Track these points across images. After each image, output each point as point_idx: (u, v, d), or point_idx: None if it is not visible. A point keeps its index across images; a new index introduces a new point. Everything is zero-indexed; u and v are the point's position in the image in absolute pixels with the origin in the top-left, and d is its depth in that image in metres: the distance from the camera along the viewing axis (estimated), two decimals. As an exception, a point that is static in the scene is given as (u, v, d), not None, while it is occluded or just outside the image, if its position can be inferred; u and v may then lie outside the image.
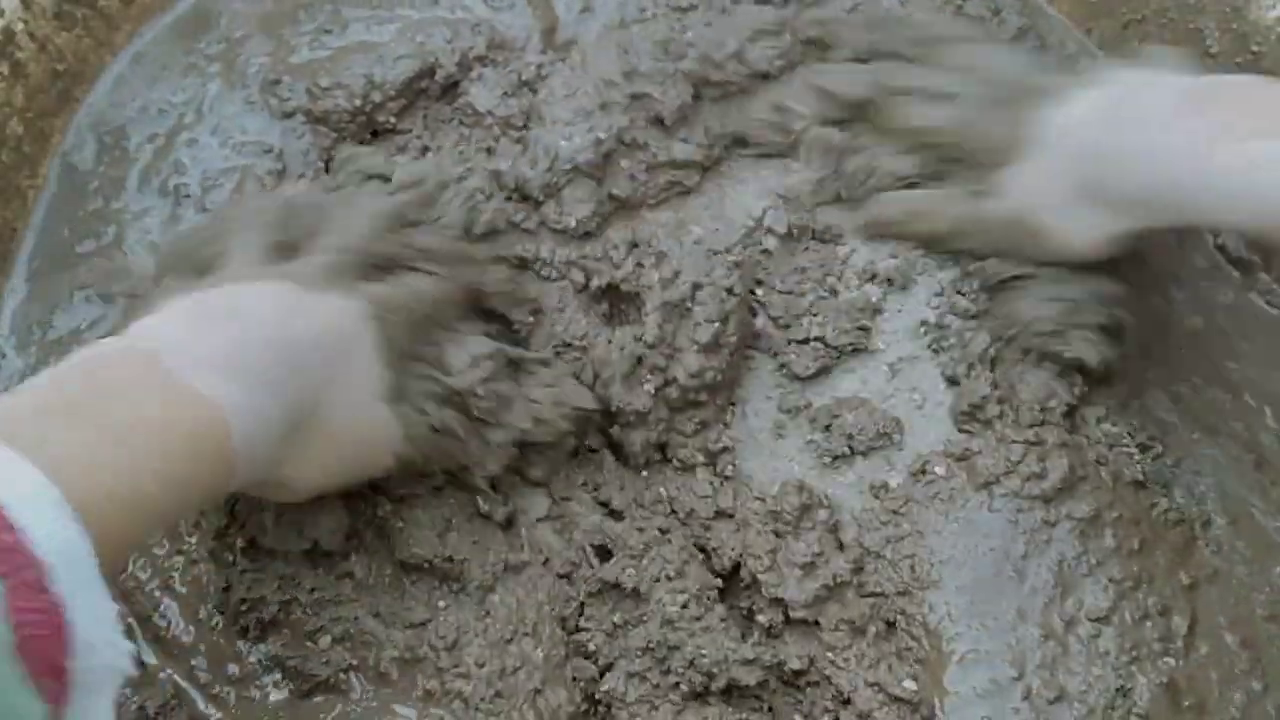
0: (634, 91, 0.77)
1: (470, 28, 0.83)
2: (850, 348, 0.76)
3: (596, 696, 0.69)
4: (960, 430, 0.74)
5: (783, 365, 0.76)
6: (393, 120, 0.81)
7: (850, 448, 0.73)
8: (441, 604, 0.70)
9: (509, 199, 0.76)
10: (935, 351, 0.76)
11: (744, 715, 0.68)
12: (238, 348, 0.52)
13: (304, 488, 0.60)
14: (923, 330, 0.76)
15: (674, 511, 0.73)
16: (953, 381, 0.75)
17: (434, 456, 0.66)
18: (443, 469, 0.68)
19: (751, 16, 0.84)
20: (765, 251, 0.77)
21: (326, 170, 0.80)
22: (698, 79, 0.79)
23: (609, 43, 0.80)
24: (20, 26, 0.79)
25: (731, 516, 0.72)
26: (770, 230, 0.77)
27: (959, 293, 0.76)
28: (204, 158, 0.81)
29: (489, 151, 0.79)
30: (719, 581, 0.71)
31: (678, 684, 0.67)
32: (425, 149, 0.81)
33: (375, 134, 0.82)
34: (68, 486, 0.39)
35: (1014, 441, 0.71)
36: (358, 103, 0.80)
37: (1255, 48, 0.83)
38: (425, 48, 0.82)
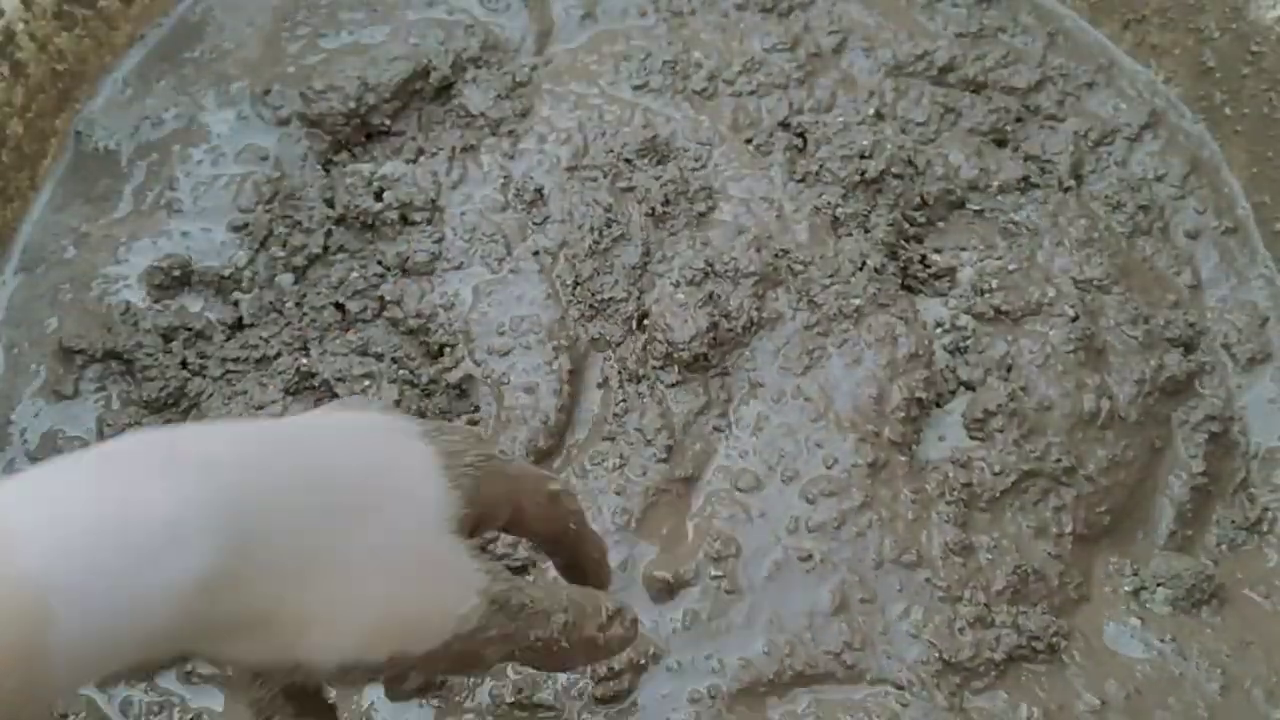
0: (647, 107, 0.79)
1: (464, 29, 0.84)
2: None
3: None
4: (971, 437, 0.74)
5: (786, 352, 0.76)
6: (387, 122, 0.82)
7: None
8: None
9: (508, 206, 0.78)
10: (952, 353, 0.76)
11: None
12: None
13: (332, 658, 0.39)
14: (939, 331, 0.76)
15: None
16: (968, 386, 0.75)
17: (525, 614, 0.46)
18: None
19: (756, 28, 0.85)
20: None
21: (325, 174, 0.81)
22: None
23: (609, 53, 0.82)
24: (20, 26, 0.79)
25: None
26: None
27: (980, 292, 0.77)
28: (197, 171, 0.81)
29: (473, 149, 0.81)
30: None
31: None
32: (420, 150, 0.81)
33: (370, 136, 0.82)
34: None
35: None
36: (352, 105, 0.80)
37: (1255, 48, 0.83)
38: (419, 49, 0.83)
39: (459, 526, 0.43)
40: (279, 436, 0.40)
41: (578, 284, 0.75)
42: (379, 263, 0.77)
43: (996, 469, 0.72)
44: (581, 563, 0.54)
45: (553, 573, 0.57)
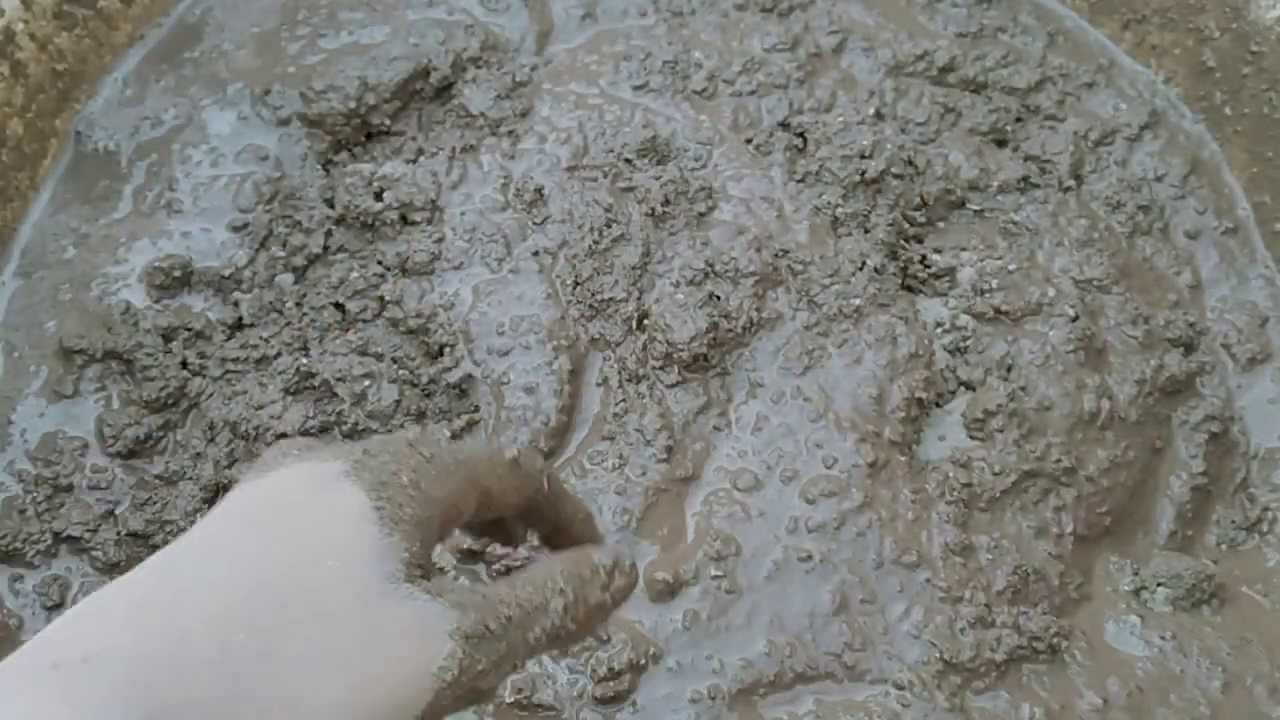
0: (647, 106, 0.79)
1: (464, 29, 0.85)
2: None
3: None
4: (971, 437, 0.74)
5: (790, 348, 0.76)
6: (387, 122, 0.82)
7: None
8: None
9: (508, 206, 0.78)
10: (952, 353, 0.76)
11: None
12: None
13: None
14: (939, 331, 0.76)
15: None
16: (968, 386, 0.75)
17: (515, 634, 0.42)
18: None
19: (756, 28, 0.86)
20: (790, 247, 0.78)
21: (325, 174, 0.81)
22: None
23: (609, 53, 0.82)
24: (20, 26, 0.79)
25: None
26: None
27: (980, 292, 0.77)
28: (197, 171, 0.81)
29: (473, 149, 0.81)
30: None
31: None
32: (420, 150, 0.81)
33: (370, 136, 0.83)
34: None
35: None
36: (352, 105, 0.81)
37: (1255, 48, 0.83)
38: (419, 49, 0.83)
39: (408, 570, 0.39)
40: (179, 586, 0.36)
41: (578, 284, 0.75)
42: (379, 263, 0.77)
43: (996, 469, 0.72)
44: (567, 524, 0.49)
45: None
